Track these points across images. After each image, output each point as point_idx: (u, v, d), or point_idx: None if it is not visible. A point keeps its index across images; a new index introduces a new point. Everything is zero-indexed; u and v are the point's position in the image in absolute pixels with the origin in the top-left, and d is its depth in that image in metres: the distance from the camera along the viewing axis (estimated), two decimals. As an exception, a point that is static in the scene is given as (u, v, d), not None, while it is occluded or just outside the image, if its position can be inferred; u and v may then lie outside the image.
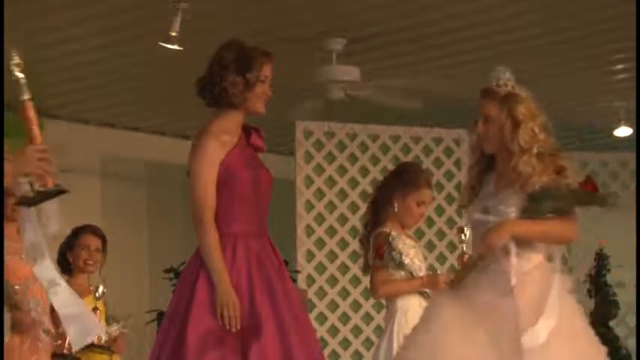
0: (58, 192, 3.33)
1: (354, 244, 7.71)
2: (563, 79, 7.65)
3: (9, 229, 5.04)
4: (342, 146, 8.04)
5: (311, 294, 7.77)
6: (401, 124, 7.94)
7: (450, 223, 8.44)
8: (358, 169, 8.01)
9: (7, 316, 4.88)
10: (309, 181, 7.92)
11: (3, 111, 5.19)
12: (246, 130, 4.01)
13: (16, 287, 4.88)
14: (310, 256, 7.87)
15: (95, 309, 5.47)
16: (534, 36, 6.69)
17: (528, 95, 3.81)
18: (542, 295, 3.67)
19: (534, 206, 3.66)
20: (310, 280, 7.86)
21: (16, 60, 3.28)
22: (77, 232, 5.54)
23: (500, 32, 6.61)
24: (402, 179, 4.83)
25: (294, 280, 6.95)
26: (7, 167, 3.18)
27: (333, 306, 7.84)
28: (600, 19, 6.39)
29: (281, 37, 6.31)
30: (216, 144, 3.88)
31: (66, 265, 5.44)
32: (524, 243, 3.66)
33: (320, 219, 7.88)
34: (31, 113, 3.29)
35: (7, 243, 4.96)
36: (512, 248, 3.62)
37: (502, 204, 3.68)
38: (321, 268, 7.89)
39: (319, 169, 7.98)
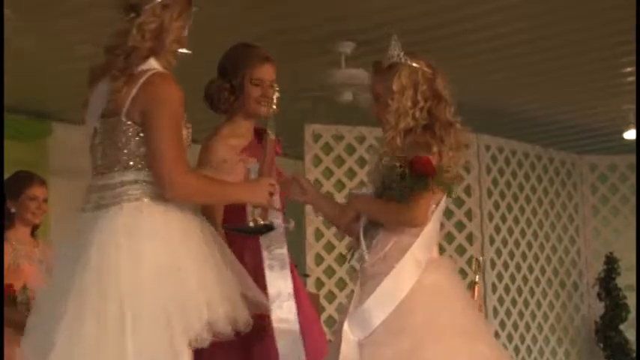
0: (271, 228, 3.46)
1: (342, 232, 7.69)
2: (572, 81, 7.64)
3: (22, 232, 5.06)
4: (350, 149, 8.05)
5: (320, 297, 7.77)
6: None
7: (459, 226, 8.44)
8: (367, 172, 8.00)
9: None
10: (318, 185, 7.91)
11: (3, 111, 5.25)
12: (259, 132, 4.02)
13: (35, 292, 4.90)
14: (319, 259, 7.87)
15: None
16: (544, 37, 6.69)
17: (420, 63, 3.47)
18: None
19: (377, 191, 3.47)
20: (319, 284, 7.86)
21: (277, 94, 3.47)
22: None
23: (510, 34, 6.61)
24: None
25: (303, 284, 6.96)
26: (242, 193, 3.35)
27: (342, 309, 7.83)
28: (609, 22, 6.38)
29: (290, 40, 6.32)
30: (225, 147, 3.89)
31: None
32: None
33: (329, 222, 7.86)
34: (274, 149, 3.42)
35: (20, 246, 4.98)
36: (361, 231, 3.46)
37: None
38: (330, 272, 7.89)
39: (328, 173, 7.98)
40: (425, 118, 3.45)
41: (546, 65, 7.27)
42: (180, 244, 3.10)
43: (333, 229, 7.89)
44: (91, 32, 6.32)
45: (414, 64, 3.47)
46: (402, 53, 3.50)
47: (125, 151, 3.15)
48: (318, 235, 7.88)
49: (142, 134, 3.14)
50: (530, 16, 6.32)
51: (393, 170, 3.39)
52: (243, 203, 3.42)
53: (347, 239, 8.12)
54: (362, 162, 8.03)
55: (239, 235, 3.64)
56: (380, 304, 3.34)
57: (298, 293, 3.92)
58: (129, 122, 3.14)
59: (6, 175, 5.21)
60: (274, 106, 3.45)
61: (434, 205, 3.45)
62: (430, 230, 3.44)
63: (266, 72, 3.92)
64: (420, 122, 3.44)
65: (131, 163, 3.15)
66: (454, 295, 3.42)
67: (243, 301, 3.16)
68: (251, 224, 3.38)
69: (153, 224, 3.10)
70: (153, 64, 3.20)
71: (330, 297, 7.86)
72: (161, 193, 3.11)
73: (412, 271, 3.37)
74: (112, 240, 3.06)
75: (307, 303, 4.03)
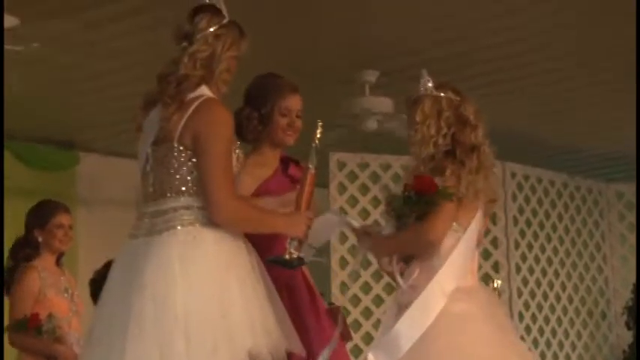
0: (302, 262, 3.50)
1: (388, 277, 7.68)
2: (599, 109, 7.62)
3: (48, 261, 5.09)
4: (375, 177, 8.04)
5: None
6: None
7: (485, 254, 8.40)
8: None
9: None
10: (343, 213, 7.89)
11: (3, 116, 5.32)
12: (285, 161, 4.03)
13: (61, 321, 4.92)
14: (345, 288, 7.85)
15: None
16: (571, 67, 6.69)
17: (446, 92, 3.57)
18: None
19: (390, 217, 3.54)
20: (345, 312, 7.82)
21: (321, 129, 3.52)
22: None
23: (537, 63, 6.61)
24: None
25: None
26: (282, 225, 3.36)
27: (368, 338, 7.80)
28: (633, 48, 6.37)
29: (314, 69, 6.35)
30: (248, 177, 3.90)
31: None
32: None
33: (354, 251, 7.85)
34: (312, 182, 3.47)
35: (46, 275, 5.01)
36: (395, 268, 3.51)
37: None
38: (355, 300, 7.87)
39: (353, 201, 7.97)
40: (448, 143, 3.51)
41: (573, 94, 7.26)
42: (230, 273, 3.12)
43: (358, 258, 7.88)
44: (119, 62, 6.40)
45: (439, 94, 3.55)
46: (428, 85, 3.58)
47: (177, 176, 3.19)
48: (343, 263, 7.86)
49: (194, 159, 3.18)
50: (557, 47, 6.32)
51: (398, 198, 3.46)
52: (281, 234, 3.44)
53: (373, 267, 8.12)
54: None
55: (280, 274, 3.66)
56: (407, 331, 3.37)
57: (319, 317, 3.91)
58: (181, 148, 3.17)
59: (32, 205, 5.27)
60: (316, 141, 3.50)
61: (462, 231, 3.46)
62: (457, 258, 3.45)
63: (294, 102, 3.94)
64: (440, 148, 3.49)
65: (183, 188, 3.18)
66: (483, 324, 3.41)
67: (281, 336, 3.18)
68: (286, 257, 3.39)
69: (205, 250, 3.12)
70: (204, 91, 3.24)
71: (356, 326, 7.83)
72: (210, 217, 3.15)
73: (437, 299, 3.39)
74: (166, 265, 3.08)
75: (329, 324, 4.02)
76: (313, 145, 3.49)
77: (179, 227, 3.14)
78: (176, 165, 3.18)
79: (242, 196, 3.33)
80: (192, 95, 3.20)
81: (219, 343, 3.03)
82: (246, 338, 3.06)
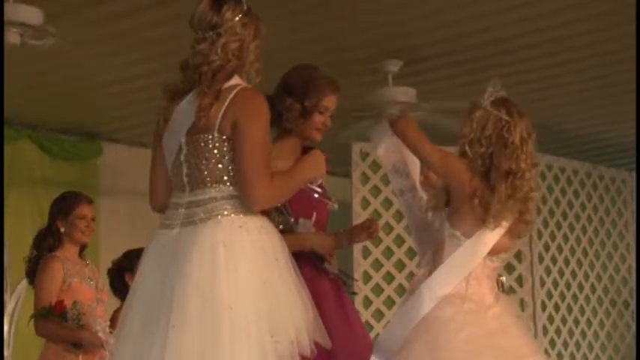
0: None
1: (411, 266, 7.69)
2: (621, 98, 7.58)
3: (70, 251, 5.12)
4: (398, 167, 8.01)
5: (368, 315, 7.75)
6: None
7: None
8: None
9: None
10: (365, 203, 7.90)
11: (3, 114, 5.33)
12: (307, 151, 4.01)
13: (86, 308, 4.96)
14: (367, 277, 7.86)
15: None
16: (593, 56, 6.66)
17: (499, 110, 3.62)
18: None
19: None
20: (367, 302, 7.84)
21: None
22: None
23: (559, 53, 6.59)
24: None
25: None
26: (307, 171, 3.45)
27: (391, 328, 7.81)
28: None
29: (337, 59, 6.34)
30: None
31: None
32: None
33: (376, 240, 7.84)
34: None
35: (69, 265, 5.04)
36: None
37: None
38: (378, 290, 7.87)
39: (376, 191, 7.97)
40: (485, 164, 3.54)
41: (595, 83, 7.22)
42: (273, 264, 3.12)
43: (381, 247, 7.89)
44: (142, 53, 6.41)
45: (491, 109, 3.57)
46: (489, 96, 3.60)
47: (220, 166, 3.18)
48: (366, 253, 7.86)
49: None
50: (580, 38, 6.30)
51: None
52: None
53: (395, 257, 8.11)
54: (410, 180, 7.99)
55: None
56: (395, 332, 3.54)
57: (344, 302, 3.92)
58: (223, 137, 3.17)
59: (54, 195, 5.30)
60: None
61: (464, 240, 3.50)
62: (451, 265, 3.50)
63: (334, 101, 3.91)
64: (477, 165, 3.54)
65: (225, 178, 3.18)
66: (462, 332, 3.42)
67: (316, 328, 3.19)
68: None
69: (250, 240, 3.12)
70: (238, 80, 3.24)
71: (378, 315, 7.84)
72: (244, 199, 3.15)
73: (425, 303, 3.47)
74: (212, 253, 3.07)
75: (353, 314, 4.02)
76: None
77: (222, 216, 3.13)
78: (217, 155, 3.17)
79: (273, 174, 3.31)
80: (227, 85, 3.21)
81: (265, 335, 3.02)
82: (290, 331, 3.06)
